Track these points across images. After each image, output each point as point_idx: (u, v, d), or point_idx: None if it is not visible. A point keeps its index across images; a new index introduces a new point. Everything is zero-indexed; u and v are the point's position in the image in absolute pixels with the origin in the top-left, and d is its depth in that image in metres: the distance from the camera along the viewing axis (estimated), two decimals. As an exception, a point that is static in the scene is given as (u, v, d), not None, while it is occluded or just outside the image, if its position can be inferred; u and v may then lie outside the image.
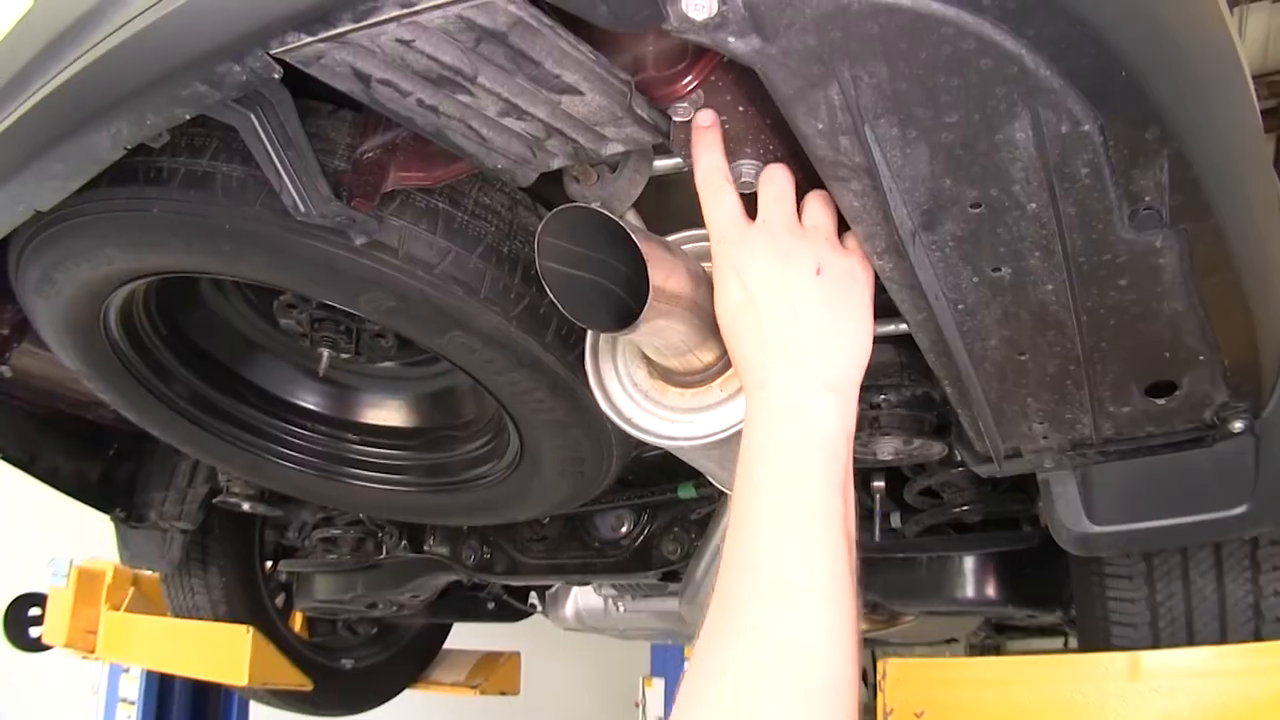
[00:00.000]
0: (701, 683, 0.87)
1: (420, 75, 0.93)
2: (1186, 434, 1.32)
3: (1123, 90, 0.83)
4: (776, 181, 1.06)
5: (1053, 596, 2.30)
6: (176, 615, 3.18)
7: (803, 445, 0.95)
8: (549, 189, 1.28)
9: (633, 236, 1.00)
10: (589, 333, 1.30)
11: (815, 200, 1.08)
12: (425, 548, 2.73)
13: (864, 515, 1.42)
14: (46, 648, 3.96)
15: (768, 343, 1.01)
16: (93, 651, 3.66)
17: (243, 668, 2.87)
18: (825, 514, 0.92)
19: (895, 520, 2.17)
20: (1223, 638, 1.63)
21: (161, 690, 4.22)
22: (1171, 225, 0.96)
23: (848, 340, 1.04)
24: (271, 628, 3.16)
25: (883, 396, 1.53)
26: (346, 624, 3.69)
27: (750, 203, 1.06)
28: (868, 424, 1.53)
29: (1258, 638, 1.61)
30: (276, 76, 0.92)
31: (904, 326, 1.19)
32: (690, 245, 1.26)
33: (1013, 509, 2.05)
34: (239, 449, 2.01)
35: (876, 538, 2.04)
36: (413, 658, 3.97)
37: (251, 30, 0.88)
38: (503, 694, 4.25)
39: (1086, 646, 1.86)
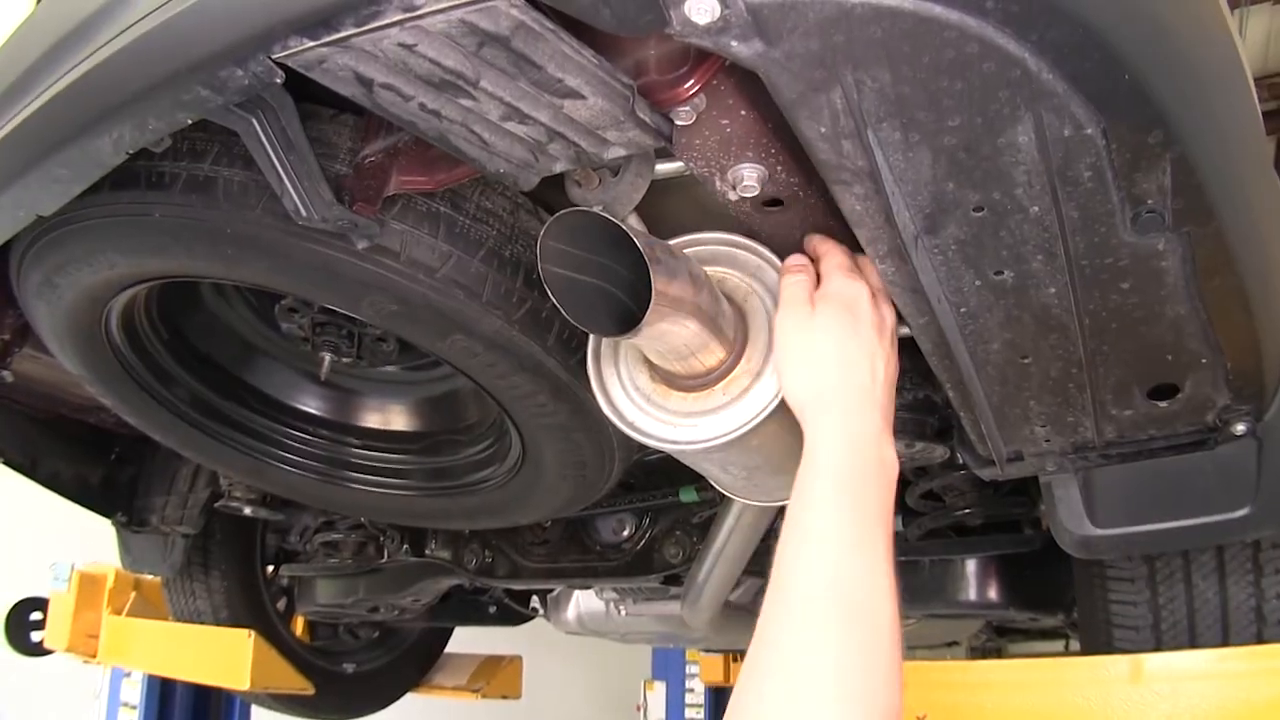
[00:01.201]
0: (755, 680, 0.92)
1: (423, 79, 0.93)
2: (1188, 437, 1.32)
3: (1126, 94, 0.83)
4: (835, 253, 1.17)
5: (1054, 599, 2.30)
6: (178, 619, 3.17)
7: (877, 473, 1.05)
8: (551, 193, 1.28)
9: (635, 240, 1.00)
10: (591, 336, 1.30)
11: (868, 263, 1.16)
12: (427, 552, 2.73)
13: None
14: (48, 652, 3.96)
15: (837, 371, 1.11)
16: (94, 656, 3.66)
17: (244, 672, 2.86)
18: (887, 539, 1.01)
19: (897, 524, 2.17)
20: (1225, 641, 1.63)
21: (163, 694, 4.20)
22: (1174, 229, 0.96)
23: (889, 384, 1.15)
24: (273, 632, 3.15)
25: (884, 400, 1.53)
26: (348, 628, 3.68)
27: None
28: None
29: (1260, 641, 1.61)
30: (278, 81, 0.92)
31: (906, 330, 1.19)
32: (692, 249, 1.26)
33: (1014, 512, 2.05)
34: (240, 453, 2.01)
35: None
36: (414, 662, 3.97)
37: (254, 34, 0.88)
38: (504, 698, 4.24)
39: (1088, 649, 1.85)
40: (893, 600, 0.96)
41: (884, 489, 1.04)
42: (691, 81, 0.98)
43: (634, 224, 1.21)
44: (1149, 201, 0.93)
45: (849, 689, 0.88)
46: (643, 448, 1.56)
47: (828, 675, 0.89)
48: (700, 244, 1.27)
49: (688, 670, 5.48)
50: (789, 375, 1.14)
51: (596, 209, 1.07)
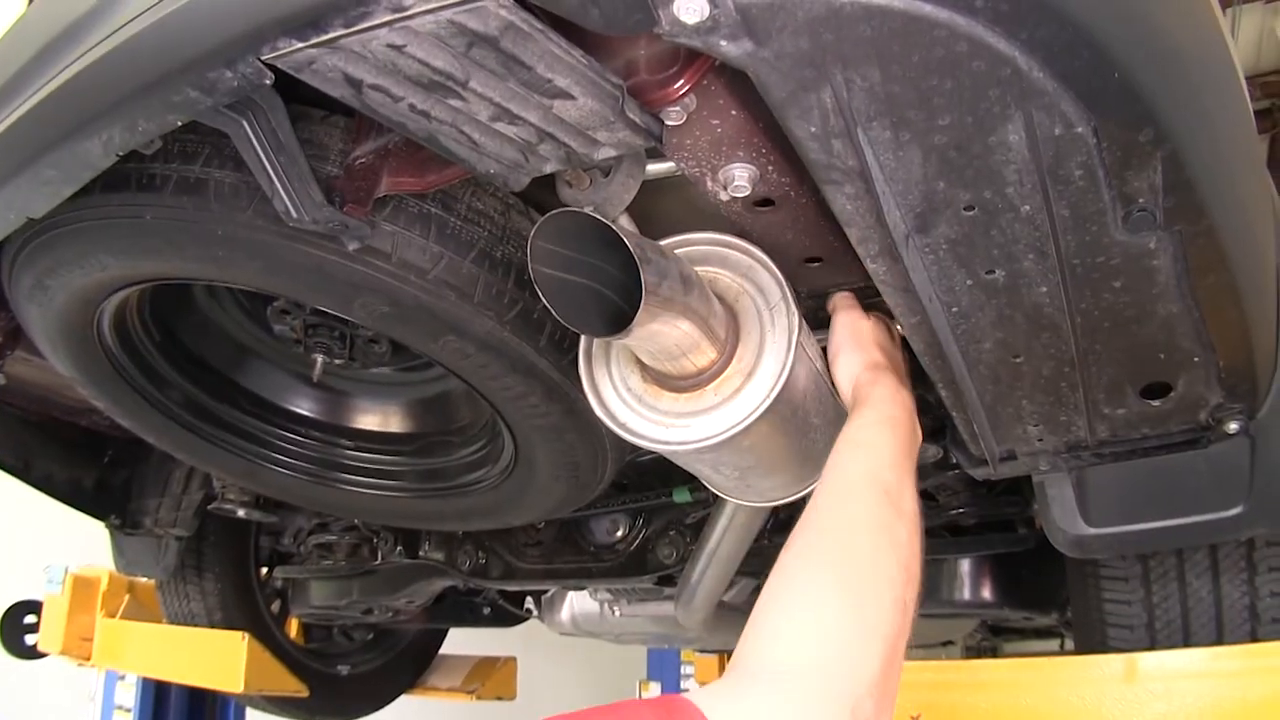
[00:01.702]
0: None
1: (412, 80, 0.93)
2: (1181, 435, 1.32)
3: (1116, 92, 0.83)
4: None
5: (1049, 599, 2.30)
6: (172, 622, 3.16)
7: (913, 436, 1.22)
8: (542, 193, 1.27)
9: (625, 240, 0.99)
10: (582, 337, 1.30)
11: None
12: (421, 553, 2.72)
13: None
14: (42, 655, 3.94)
15: (888, 358, 1.28)
16: (88, 659, 3.64)
17: (238, 674, 2.86)
18: (914, 481, 1.19)
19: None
20: (1219, 639, 1.63)
21: (158, 697, 4.20)
22: (1165, 227, 0.96)
23: None
24: (267, 634, 3.14)
25: (877, 399, 1.53)
26: (342, 630, 3.68)
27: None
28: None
29: (1254, 639, 1.61)
30: (268, 82, 0.92)
31: (898, 329, 1.19)
32: (683, 250, 1.26)
33: (1008, 511, 2.05)
34: (233, 455, 2.01)
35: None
36: (409, 663, 3.96)
37: (243, 35, 0.88)
38: (499, 699, 4.23)
39: (1083, 648, 1.85)
40: (916, 506, 1.14)
41: (914, 452, 1.20)
42: (681, 82, 0.97)
43: (625, 224, 1.21)
44: (1140, 200, 0.93)
45: (877, 559, 1.05)
46: (635, 448, 1.56)
47: (860, 548, 1.04)
48: (691, 244, 1.26)
49: (683, 671, 5.48)
50: (849, 353, 1.28)
51: (587, 209, 1.07)
